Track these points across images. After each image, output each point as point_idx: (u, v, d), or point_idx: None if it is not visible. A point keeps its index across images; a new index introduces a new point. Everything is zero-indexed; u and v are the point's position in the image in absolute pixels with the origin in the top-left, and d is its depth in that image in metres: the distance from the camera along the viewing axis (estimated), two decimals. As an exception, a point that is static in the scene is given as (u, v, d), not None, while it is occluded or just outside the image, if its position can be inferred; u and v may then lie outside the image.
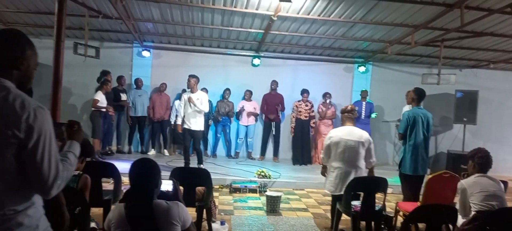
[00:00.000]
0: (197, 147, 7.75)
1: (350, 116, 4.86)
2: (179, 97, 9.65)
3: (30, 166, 1.66)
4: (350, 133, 4.71)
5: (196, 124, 7.61)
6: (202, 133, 8.01)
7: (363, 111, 9.80)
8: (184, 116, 7.63)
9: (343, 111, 4.91)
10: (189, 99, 7.45)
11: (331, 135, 4.78)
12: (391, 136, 10.96)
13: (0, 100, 1.64)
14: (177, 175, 4.25)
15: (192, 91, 7.58)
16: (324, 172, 5.05)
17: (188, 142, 7.75)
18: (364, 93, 10.06)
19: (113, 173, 4.53)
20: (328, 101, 9.90)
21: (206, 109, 7.71)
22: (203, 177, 4.47)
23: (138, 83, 9.83)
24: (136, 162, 2.40)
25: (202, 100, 7.53)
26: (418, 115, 5.39)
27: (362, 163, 4.70)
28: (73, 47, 7.47)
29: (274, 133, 10.02)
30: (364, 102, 9.89)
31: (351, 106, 5.04)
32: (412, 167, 5.38)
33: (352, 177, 4.57)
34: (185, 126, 7.66)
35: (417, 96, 5.50)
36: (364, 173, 4.73)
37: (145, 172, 2.37)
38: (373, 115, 9.89)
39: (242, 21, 8.08)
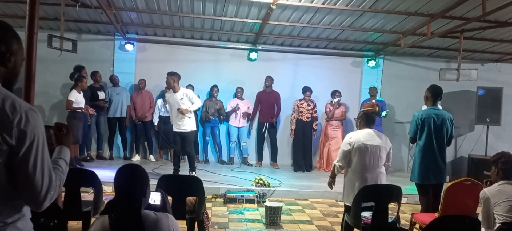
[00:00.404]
0: (189, 151, 7.75)
1: (372, 115, 4.84)
2: (162, 95, 9.72)
3: (21, 175, 1.66)
4: (372, 136, 4.70)
5: (186, 124, 7.61)
6: (194, 134, 8.01)
7: None
8: (170, 117, 7.64)
9: (365, 109, 4.87)
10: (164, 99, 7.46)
11: (352, 140, 4.70)
12: (406, 138, 10.97)
13: None
14: (165, 183, 4.25)
15: (174, 91, 7.59)
16: (332, 182, 4.95)
17: (179, 146, 7.77)
18: (372, 91, 10.08)
19: (94, 182, 4.52)
20: (336, 100, 9.90)
21: (198, 104, 7.73)
22: (195, 186, 4.46)
23: (113, 80, 9.80)
24: (122, 168, 2.41)
25: (190, 97, 7.56)
26: (429, 116, 5.42)
27: (383, 167, 4.75)
28: (47, 40, 7.45)
29: (265, 134, 10.04)
30: (374, 101, 9.89)
31: (372, 103, 5.05)
32: (421, 174, 5.43)
33: (373, 183, 4.59)
34: (174, 129, 7.68)
35: (432, 94, 5.52)
36: (384, 176, 4.77)
37: (133, 180, 2.37)
38: (383, 113, 9.88)
39: (237, 10, 8.09)
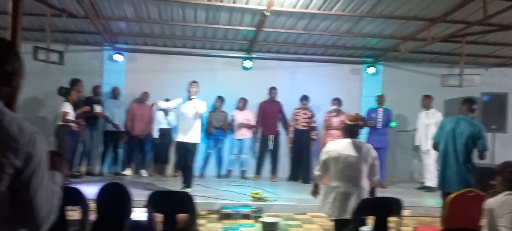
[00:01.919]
0: (189, 164, 7.79)
1: (354, 129, 4.82)
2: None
3: (24, 198, 1.68)
4: (350, 146, 4.67)
5: (191, 135, 7.66)
6: (197, 147, 8.04)
7: (381, 120, 9.69)
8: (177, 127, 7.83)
9: (348, 121, 4.85)
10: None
11: (328, 148, 4.75)
12: (409, 147, 10.98)
13: None
14: (155, 200, 4.21)
15: (189, 99, 7.67)
16: (315, 191, 5.00)
17: (182, 158, 7.89)
18: (381, 99, 9.90)
19: (80, 200, 4.48)
20: (332, 108, 9.89)
21: (203, 109, 7.73)
22: (186, 203, 4.43)
23: (115, 92, 9.84)
24: (104, 188, 2.40)
25: (198, 105, 7.61)
26: (452, 123, 5.59)
27: (365, 182, 4.67)
28: (33, 52, 7.46)
29: (271, 147, 10.04)
30: (380, 109, 9.78)
31: (357, 115, 5.02)
32: (438, 181, 5.83)
33: (353, 198, 4.54)
34: (178, 139, 7.77)
35: (462, 105, 5.93)
36: (366, 193, 4.69)
37: (114, 199, 2.36)
38: (392, 124, 9.83)
39: (230, 18, 8.11)
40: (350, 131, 4.77)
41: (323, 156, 4.77)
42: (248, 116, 10.16)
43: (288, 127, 10.27)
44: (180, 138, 7.74)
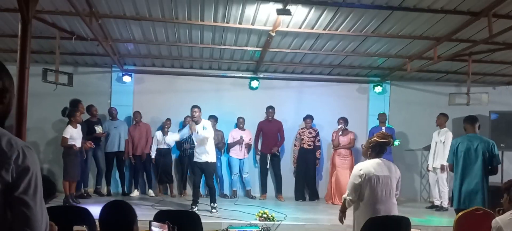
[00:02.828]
0: (210, 183, 8.02)
1: (385, 146, 4.77)
2: (161, 127, 9.90)
3: (19, 213, 1.68)
4: (381, 166, 4.66)
5: (206, 155, 7.85)
6: (214, 166, 8.30)
7: None
8: (192, 147, 8.04)
9: (378, 139, 4.75)
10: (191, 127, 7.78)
11: (363, 171, 4.62)
12: (418, 166, 10.93)
13: None
14: (161, 220, 4.23)
15: (197, 123, 7.83)
16: (343, 216, 4.86)
17: (199, 177, 8.03)
18: (382, 117, 10.05)
19: (87, 220, 4.52)
20: (338, 127, 9.90)
21: (208, 134, 7.85)
22: (192, 222, 4.46)
23: (112, 112, 9.90)
24: (107, 206, 2.42)
25: (206, 126, 7.84)
26: (464, 142, 5.63)
27: (394, 198, 4.72)
28: (42, 74, 7.57)
29: (269, 166, 10.08)
30: (383, 128, 9.79)
31: (386, 133, 4.97)
32: (456, 200, 6.00)
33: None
34: (194, 159, 7.95)
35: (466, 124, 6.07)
36: (396, 208, 4.74)
37: (118, 217, 2.38)
38: (396, 142, 9.82)
39: (236, 39, 8.21)
40: (381, 148, 4.74)
41: (356, 180, 4.64)
42: (249, 135, 10.19)
43: (280, 144, 10.25)
44: (195, 158, 7.97)
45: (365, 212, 4.62)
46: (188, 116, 9.06)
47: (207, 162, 7.89)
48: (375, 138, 4.76)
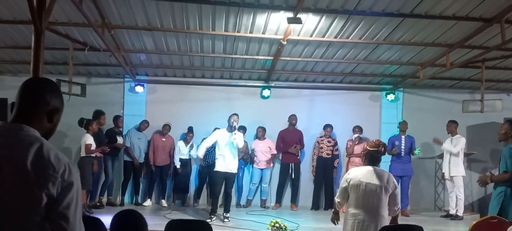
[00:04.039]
0: (230, 192, 8.08)
1: (376, 155, 4.79)
2: (183, 137, 9.96)
3: (59, 227, 1.74)
4: (371, 174, 4.63)
5: (234, 165, 7.93)
6: (235, 177, 8.40)
7: (403, 147, 9.53)
8: (217, 158, 7.94)
9: (368, 148, 4.79)
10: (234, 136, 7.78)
11: (349, 176, 4.71)
12: (432, 175, 10.82)
13: (35, 154, 1.73)
14: (172, 229, 4.25)
15: (231, 131, 7.86)
16: (335, 218, 5.00)
17: (220, 187, 8.00)
18: (403, 126, 9.76)
19: (99, 230, 4.55)
20: (355, 136, 9.83)
21: (241, 142, 8.02)
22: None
23: (142, 125, 9.98)
24: (118, 215, 2.44)
25: (237, 138, 7.85)
26: None
27: (385, 211, 4.60)
28: (56, 85, 7.65)
29: (293, 176, 10.04)
30: (403, 137, 9.64)
31: (378, 141, 4.95)
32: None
33: (372, 228, 4.48)
34: (220, 169, 7.85)
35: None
36: (386, 222, 4.61)
37: (129, 227, 2.40)
38: (416, 152, 9.65)
39: (247, 48, 8.25)
40: (371, 157, 4.70)
41: (344, 183, 4.73)
42: (268, 145, 10.17)
43: (300, 149, 10.23)
44: (222, 168, 7.84)
45: (348, 217, 4.67)
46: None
47: (233, 173, 7.93)
48: (366, 146, 4.81)
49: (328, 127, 10.05)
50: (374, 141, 4.87)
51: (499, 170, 5.41)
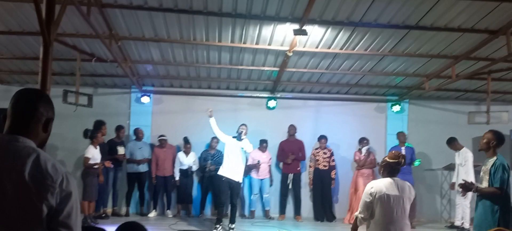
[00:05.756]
0: (235, 202, 8.06)
1: (396, 167, 4.70)
2: (180, 149, 10.00)
3: None
4: (394, 186, 4.58)
5: (241, 175, 7.98)
6: (241, 186, 8.42)
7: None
8: (223, 165, 8.00)
9: (388, 159, 4.68)
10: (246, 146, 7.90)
11: (373, 190, 4.57)
12: (438, 186, 10.75)
13: (33, 165, 1.75)
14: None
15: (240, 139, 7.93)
16: None
17: (226, 196, 8.02)
18: (402, 137, 9.86)
19: (105, 240, 4.55)
20: (365, 148, 9.78)
21: (250, 149, 8.19)
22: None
23: (138, 134, 9.98)
24: (121, 228, 2.44)
25: (246, 145, 7.97)
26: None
27: (408, 220, 4.63)
28: (63, 95, 7.69)
29: (290, 186, 10.00)
30: (402, 148, 9.65)
31: (398, 153, 4.88)
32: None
33: None
34: (227, 175, 7.87)
35: (498, 141, 5.13)
36: (410, 230, 4.65)
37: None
38: (416, 163, 9.65)
39: (253, 59, 8.28)
40: (391, 169, 4.66)
41: (367, 198, 4.59)
42: (269, 156, 10.13)
43: (301, 160, 10.22)
44: (227, 174, 7.86)
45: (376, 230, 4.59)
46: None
47: (239, 182, 7.96)
48: (386, 158, 4.73)
49: (322, 138, 9.94)
50: (394, 152, 4.83)
51: (489, 183, 5.12)
